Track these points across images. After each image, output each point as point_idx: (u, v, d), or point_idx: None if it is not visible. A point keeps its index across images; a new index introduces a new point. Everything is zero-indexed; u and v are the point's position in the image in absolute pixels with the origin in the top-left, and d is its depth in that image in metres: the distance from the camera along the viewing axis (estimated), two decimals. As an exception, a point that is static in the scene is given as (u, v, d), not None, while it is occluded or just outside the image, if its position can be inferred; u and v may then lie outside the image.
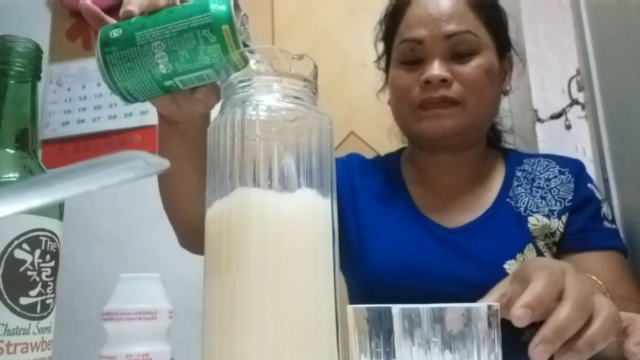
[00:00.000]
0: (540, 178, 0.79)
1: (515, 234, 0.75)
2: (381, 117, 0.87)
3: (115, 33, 0.48)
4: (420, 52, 0.75)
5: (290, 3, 1.51)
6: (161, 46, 0.46)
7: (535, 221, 0.75)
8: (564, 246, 0.75)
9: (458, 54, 0.73)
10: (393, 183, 0.85)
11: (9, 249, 0.38)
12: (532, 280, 0.43)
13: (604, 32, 0.94)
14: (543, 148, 1.00)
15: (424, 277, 0.73)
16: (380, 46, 0.87)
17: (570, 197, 0.76)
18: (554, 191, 0.77)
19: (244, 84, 0.38)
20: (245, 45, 0.47)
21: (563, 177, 0.78)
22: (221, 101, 0.41)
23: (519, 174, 0.81)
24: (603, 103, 0.94)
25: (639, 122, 0.82)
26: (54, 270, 0.42)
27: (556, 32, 1.05)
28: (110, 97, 1.34)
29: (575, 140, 1.00)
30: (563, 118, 1.02)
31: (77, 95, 1.39)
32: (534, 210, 0.76)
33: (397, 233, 0.78)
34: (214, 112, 0.49)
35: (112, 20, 0.52)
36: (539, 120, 1.03)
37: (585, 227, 0.75)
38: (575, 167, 0.80)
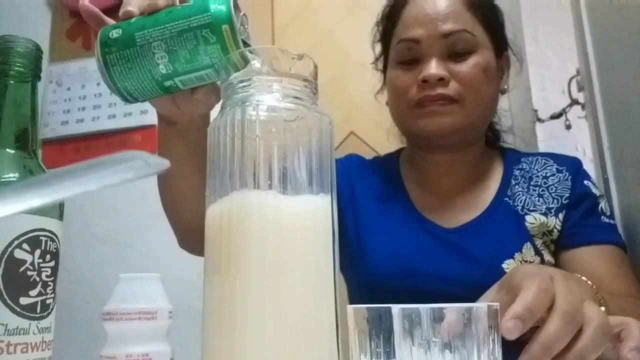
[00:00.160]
0: (537, 176, 0.79)
1: (513, 234, 0.75)
2: (381, 117, 0.87)
3: (115, 33, 0.48)
4: (417, 52, 0.75)
5: (290, 3, 1.51)
6: (161, 46, 0.46)
7: (532, 220, 0.75)
8: (560, 242, 0.75)
9: (455, 53, 0.74)
10: (392, 184, 0.85)
11: (9, 249, 0.38)
12: (522, 289, 0.41)
13: (604, 32, 0.94)
14: (543, 148, 1.00)
15: (422, 278, 0.73)
16: (378, 48, 0.87)
17: (567, 195, 0.76)
18: (552, 189, 0.77)
19: (244, 84, 0.38)
20: (246, 45, 0.47)
21: (561, 175, 0.79)
22: (221, 101, 0.41)
23: (516, 172, 0.81)
24: (603, 103, 0.94)
25: (639, 122, 0.82)
26: (54, 270, 0.42)
27: (556, 32, 1.05)
28: (109, 97, 1.34)
29: (575, 140, 1.00)
30: (563, 118, 1.02)
31: (76, 95, 1.40)
32: (531, 208, 0.76)
33: (396, 234, 0.79)
34: (214, 112, 0.49)
35: (111, 21, 0.52)
36: (539, 120, 1.03)
37: (581, 222, 0.75)
38: (572, 165, 0.80)
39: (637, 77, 0.81)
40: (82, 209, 1.30)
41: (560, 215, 0.75)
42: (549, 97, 1.03)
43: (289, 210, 0.37)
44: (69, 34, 1.46)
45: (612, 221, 0.76)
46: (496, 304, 0.36)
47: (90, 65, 1.39)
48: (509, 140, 0.95)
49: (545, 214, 0.75)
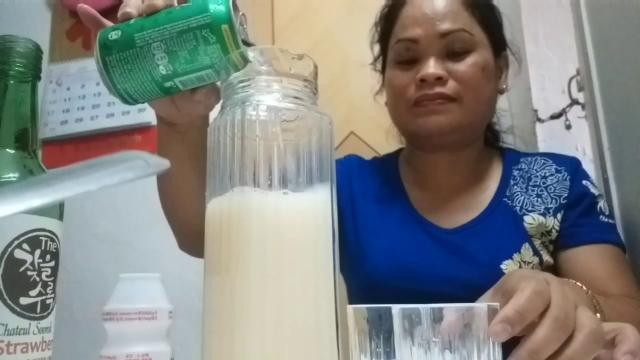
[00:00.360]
0: (536, 176, 0.79)
1: (511, 234, 0.75)
2: (381, 117, 0.87)
3: (114, 35, 0.48)
4: (415, 52, 0.75)
5: (290, 3, 1.51)
6: (161, 47, 0.46)
7: (531, 220, 0.75)
8: (559, 242, 0.75)
9: (453, 52, 0.74)
10: (391, 184, 0.85)
11: (9, 249, 0.38)
12: (516, 292, 0.40)
13: (604, 32, 0.94)
14: (543, 148, 1.00)
15: (421, 279, 0.73)
16: (376, 48, 0.87)
17: (566, 195, 0.76)
18: (550, 189, 0.77)
19: (244, 84, 0.38)
20: (246, 44, 0.47)
21: (559, 175, 0.78)
22: (221, 101, 0.41)
23: (515, 173, 0.81)
24: (603, 103, 0.94)
25: (639, 122, 0.82)
26: (54, 270, 0.42)
27: (556, 32, 1.05)
28: (108, 96, 1.34)
29: (575, 140, 1.00)
30: (563, 118, 1.02)
31: (76, 94, 1.40)
32: (530, 209, 0.76)
33: (395, 235, 0.79)
34: (213, 113, 0.49)
35: (109, 23, 0.52)
36: (539, 120, 1.03)
37: (579, 221, 0.75)
38: (571, 165, 0.80)
39: (637, 77, 0.81)
40: (82, 209, 1.30)
41: (559, 215, 0.75)
42: (549, 97, 1.03)
43: (289, 208, 0.37)
44: (69, 34, 1.46)
45: (611, 220, 0.76)
46: (496, 304, 0.36)
47: (90, 65, 1.39)
48: (509, 141, 0.95)
49: (543, 214, 0.75)
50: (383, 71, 0.85)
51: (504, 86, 0.82)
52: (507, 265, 0.72)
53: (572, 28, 1.03)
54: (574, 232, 0.74)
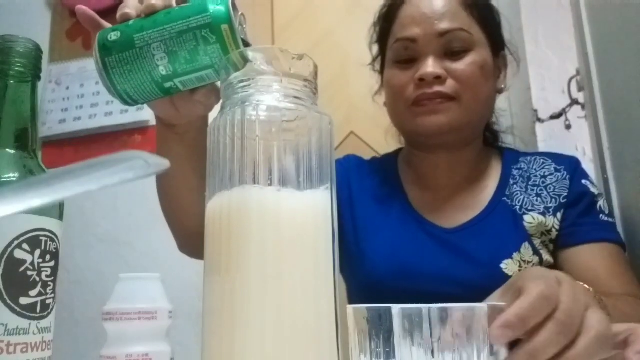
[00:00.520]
0: (536, 176, 0.79)
1: (511, 233, 0.75)
2: (381, 117, 0.87)
3: (113, 36, 0.47)
4: (414, 51, 0.75)
5: (290, 3, 1.51)
6: (161, 47, 0.46)
7: (530, 219, 0.75)
8: (559, 242, 0.75)
9: (452, 52, 0.74)
10: (390, 184, 0.85)
11: (9, 249, 0.38)
12: (523, 294, 0.39)
13: (604, 32, 0.94)
14: (543, 148, 1.00)
15: (421, 278, 0.73)
16: (375, 49, 0.87)
17: (566, 194, 0.76)
18: (550, 188, 0.77)
19: (244, 84, 0.38)
20: (246, 44, 0.47)
21: (559, 174, 0.79)
22: (221, 101, 0.41)
23: (515, 172, 0.81)
24: (603, 103, 0.94)
25: (639, 122, 0.82)
26: (54, 270, 0.42)
27: (556, 32, 1.05)
28: (107, 95, 1.34)
29: (575, 140, 1.00)
30: (563, 118, 1.02)
31: (75, 93, 1.40)
32: (530, 208, 0.76)
33: (395, 234, 0.79)
34: (213, 113, 0.49)
35: (107, 24, 0.52)
36: (539, 120, 1.03)
37: (579, 221, 0.75)
38: (571, 164, 0.80)
39: (637, 77, 0.81)
40: (82, 209, 1.30)
41: (559, 215, 0.75)
42: (549, 97, 1.03)
43: (289, 206, 0.37)
44: (69, 34, 1.46)
45: (610, 219, 0.76)
46: (501, 304, 0.36)
47: (90, 65, 1.39)
48: (509, 141, 0.95)
49: (543, 214, 0.75)
50: (382, 71, 0.85)
51: (503, 86, 0.82)
52: (507, 265, 0.72)
53: (572, 28, 1.03)
54: (574, 231, 0.74)
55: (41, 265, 0.40)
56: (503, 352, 0.34)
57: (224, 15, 0.45)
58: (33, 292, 0.40)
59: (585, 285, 0.55)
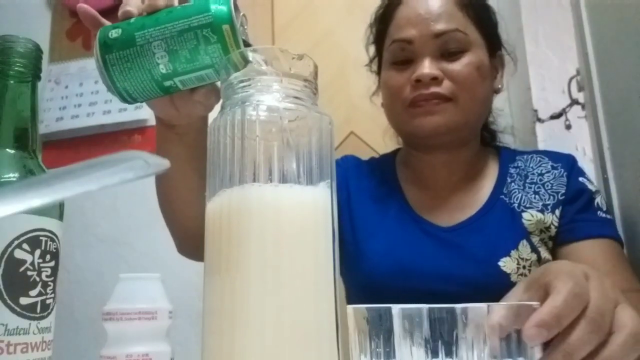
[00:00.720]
0: (533, 174, 0.80)
1: (509, 231, 0.75)
2: (381, 117, 0.87)
3: (114, 33, 0.48)
4: (410, 52, 0.75)
5: (290, 3, 1.51)
6: (161, 46, 0.46)
7: (529, 217, 0.75)
8: (558, 238, 0.75)
9: (448, 52, 0.74)
10: (388, 184, 0.85)
11: (9, 249, 0.38)
12: (553, 291, 0.38)
13: (604, 32, 0.94)
14: (543, 148, 1.00)
15: (420, 277, 0.73)
16: (372, 50, 0.88)
17: (563, 191, 0.76)
18: (547, 185, 0.78)
19: (244, 84, 0.38)
20: (247, 45, 0.47)
21: (556, 171, 0.79)
22: (221, 101, 0.41)
23: (512, 170, 0.81)
24: (603, 103, 0.94)
25: (639, 122, 0.82)
26: (54, 270, 0.42)
27: (556, 32, 1.05)
28: (106, 94, 1.34)
29: (575, 140, 1.00)
30: (563, 118, 1.02)
31: (73, 92, 1.40)
32: (528, 205, 0.76)
33: (393, 234, 0.79)
34: (213, 113, 0.49)
35: (108, 23, 0.52)
36: (539, 120, 1.03)
37: (577, 217, 0.75)
38: (567, 162, 0.80)
39: (637, 77, 0.81)
40: (82, 209, 1.30)
41: (557, 212, 0.75)
42: (549, 97, 1.03)
43: (289, 202, 0.37)
44: (69, 34, 1.46)
45: (608, 216, 0.77)
46: (535, 303, 0.35)
47: (90, 64, 1.39)
48: (509, 141, 0.95)
49: (541, 211, 0.75)
50: (379, 72, 0.85)
51: (500, 86, 0.83)
52: (504, 262, 0.72)
53: (572, 28, 1.03)
54: (572, 227, 0.74)
55: (41, 265, 0.40)
56: (537, 352, 0.34)
57: (225, 15, 0.45)
58: (33, 292, 0.39)
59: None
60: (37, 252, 0.40)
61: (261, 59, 0.39)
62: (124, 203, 1.29)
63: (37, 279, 0.40)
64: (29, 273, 0.39)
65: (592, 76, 0.96)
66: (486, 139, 0.88)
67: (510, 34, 1.09)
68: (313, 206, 0.37)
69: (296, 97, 0.38)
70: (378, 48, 0.85)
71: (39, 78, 0.45)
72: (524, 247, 0.73)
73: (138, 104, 0.54)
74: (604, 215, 0.76)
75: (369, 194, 0.84)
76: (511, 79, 1.09)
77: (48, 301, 0.41)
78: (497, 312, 0.33)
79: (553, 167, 0.79)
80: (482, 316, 0.33)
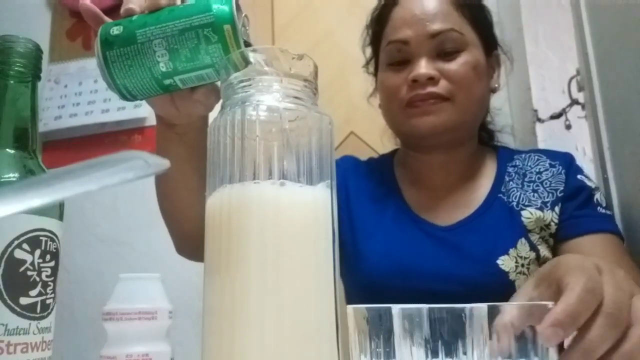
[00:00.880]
0: (531, 172, 0.80)
1: (508, 229, 0.75)
2: (381, 117, 0.87)
3: (115, 30, 0.48)
4: (406, 53, 0.76)
5: (290, 3, 1.51)
6: (162, 44, 0.46)
7: (528, 214, 0.75)
8: (558, 235, 0.75)
9: (444, 52, 0.74)
10: (386, 184, 0.85)
11: (9, 249, 0.38)
12: (566, 288, 0.37)
13: (604, 32, 0.94)
14: (543, 148, 1.00)
15: (419, 277, 0.73)
16: (368, 51, 0.88)
17: (562, 188, 0.77)
18: (546, 183, 0.78)
19: (244, 84, 0.38)
20: (248, 45, 0.47)
21: (554, 169, 0.79)
22: (221, 101, 0.41)
23: (510, 169, 0.81)
24: (603, 103, 0.94)
25: (639, 122, 0.82)
26: (54, 270, 0.42)
27: (556, 32, 1.05)
28: (105, 92, 1.34)
29: (575, 140, 1.00)
30: (563, 118, 1.02)
31: (72, 91, 1.39)
32: (527, 203, 0.76)
33: (391, 234, 0.79)
34: (213, 113, 0.49)
35: (110, 21, 0.52)
36: (539, 120, 1.03)
37: (577, 213, 0.75)
38: (565, 160, 0.80)
39: (637, 77, 0.81)
40: (82, 209, 1.30)
41: (557, 209, 0.75)
42: (549, 97, 1.03)
43: (289, 199, 0.37)
44: (69, 34, 1.46)
45: (608, 212, 0.77)
46: (549, 303, 0.35)
47: (89, 64, 1.39)
48: (510, 141, 0.95)
49: (541, 209, 0.75)
50: (376, 74, 0.85)
51: (496, 85, 0.83)
52: (503, 261, 0.72)
53: (572, 28, 1.03)
54: (573, 223, 0.74)
55: (41, 265, 0.40)
56: (552, 352, 0.34)
57: (227, 15, 0.46)
58: (33, 292, 0.39)
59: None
60: (37, 252, 0.40)
61: (261, 59, 0.39)
62: (124, 203, 1.29)
63: (37, 279, 0.40)
64: (29, 273, 0.39)
65: (592, 76, 0.96)
66: (484, 138, 0.88)
67: (510, 34, 1.09)
68: (313, 204, 0.37)
69: (296, 97, 0.38)
70: (374, 49, 0.85)
71: (39, 78, 0.45)
72: (522, 246, 0.73)
73: (137, 103, 0.54)
74: (603, 210, 0.76)
75: (367, 195, 0.84)
76: (511, 79, 1.09)
77: (48, 301, 0.41)
78: (509, 312, 0.32)
79: (551, 165, 0.80)
80: (483, 316, 0.33)
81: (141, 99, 0.52)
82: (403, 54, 0.76)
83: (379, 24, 0.83)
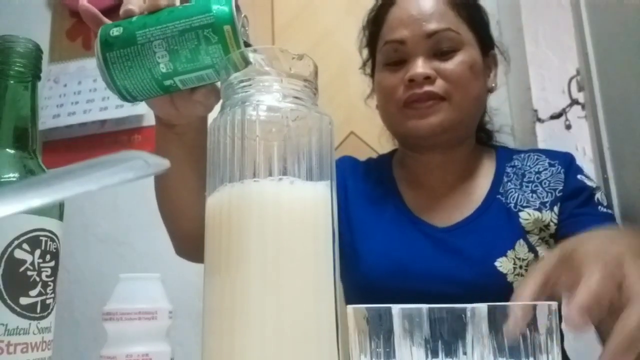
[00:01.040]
0: (530, 172, 0.79)
1: (505, 231, 0.75)
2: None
3: (115, 32, 0.48)
4: (403, 53, 0.76)
5: (290, 3, 1.51)
6: (162, 45, 0.46)
7: (526, 216, 0.75)
8: (558, 234, 0.75)
9: (441, 52, 0.74)
10: (385, 185, 0.85)
11: (9, 249, 0.38)
12: (585, 273, 0.37)
13: (604, 32, 0.94)
14: (543, 148, 1.00)
15: (417, 278, 0.73)
16: (365, 53, 0.88)
17: (561, 187, 0.76)
18: (545, 183, 0.77)
19: (244, 84, 0.38)
20: (247, 46, 0.47)
21: (553, 169, 0.79)
22: (221, 101, 0.41)
23: (508, 170, 0.81)
24: (603, 103, 0.94)
25: (639, 122, 0.82)
26: (54, 270, 0.42)
27: (556, 32, 1.05)
28: (104, 91, 1.34)
29: (575, 140, 1.00)
30: (563, 118, 1.02)
31: (71, 90, 1.39)
32: (525, 205, 0.76)
33: (389, 235, 0.79)
34: (213, 113, 0.49)
35: (110, 22, 0.52)
36: (539, 120, 1.03)
37: (577, 211, 0.74)
38: (565, 159, 0.80)
39: (637, 77, 0.81)
40: (82, 209, 1.30)
41: (556, 209, 0.75)
42: (549, 97, 1.03)
43: (289, 196, 0.37)
44: (69, 34, 1.46)
45: (609, 211, 0.76)
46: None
47: (89, 64, 1.39)
48: (509, 141, 0.95)
49: (539, 209, 0.75)
50: (373, 75, 0.85)
51: (493, 84, 0.83)
52: (500, 263, 0.72)
53: (572, 28, 1.03)
54: (573, 222, 0.74)
55: (41, 265, 0.40)
56: (592, 337, 0.34)
57: (227, 16, 0.46)
58: (33, 292, 0.39)
59: None
60: (37, 252, 0.40)
61: (261, 59, 0.39)
62: (124, 203, 1.29)
63: (37, 279, 0.40)
64: (29, 273, 0.39)
65: (592, 76, 0.96)
66: (482, 139, 0.88)
67: (510, 34, 1.09)
68: (313, 202, 0.37)
69: (296, 97, 0.38)
70: (371, 50, 0.86)
71: (39, 78, 0.45)
72: (520, 247, 0.73)
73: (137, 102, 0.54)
74: (604, 210, 0.75)
75: (366, 195, 0.84)
76: (511, 79, 1.09)
77: (48, 301, 0.41)
78: (513, 312, 0.32)
79: (550, 165, 0.79)
80: (483, 316, 0.33)
81: (141, 100, 0.52)
82: (400, 53, 0.76)
83: (375, 24, 0.83)
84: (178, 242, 0.70)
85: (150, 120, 1.31)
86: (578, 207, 0.75)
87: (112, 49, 0.47)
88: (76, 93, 1.39)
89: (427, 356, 0.31)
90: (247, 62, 0.39)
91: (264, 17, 1.50)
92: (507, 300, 0.45)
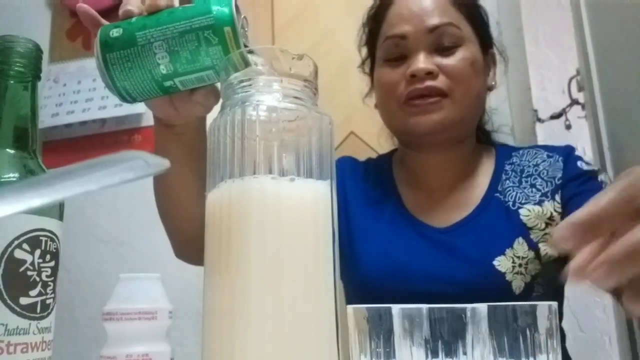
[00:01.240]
0: (529, 166, 0.79)
1: (504, 230, 0.74)
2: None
3: (115, 33, 0.48)
4: (404, 48, 0.75)
5: (290, 3, 1.51)
6: (162, 46, 0.46)
7: (527, 212, 0.75)
8: (564, 214, 0.73)
9: (442, 47, 0.74)
10: (384, 185, 0.85)
11: (9, 249, 0.38)
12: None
13: (604, 32, 0.94)
14: (543, 148, 1.00)
15: (415, 279, 0.73)
16: (364, 51, 0.88)
17: (560, 175, 0.75)
18: (543, 173, 0.77)
19: (244, 84, 0.38)
20: (247, 47, 0.47)
21: (551, 159, 0.78)
22: (221, 101, 0.41)
23: (507, 167, 0.81)
24: (603, 103, 0.94)
25: (639, 122, 0.82)
26: (54, 270, 0.42)
27: (556, 32, 1.05)
28: (103, 90, 1.34)
29: (575, 140, 1.00)
30: (563, 118, 1.02)
31: (71, 90, 1.40)
32: (524, 201, 0.76)
33: (388, 236, 0.78)
34: (213, 113, 0.49)
35: (108, 23, 0.52)
36: (539, 120, 1.03)
37: (582, 188, 0.73)
38: (564, 151, 0.79)
39: (637, 77, 0.81)
40: (82, 209, 1.30)
41: (557, 196, 0.74)
42: (549, 97, 1.03)
43: (289, 193, 0.37)
44: (69, 34, 1.46)
45: None
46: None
47: (89, 64, 1.39)
48: (509, 141, 0.95)
49: (539, 203, 0.74)
50: (371, 73, 0.85)
51: (493, 83, 0.83)
52: (499, 262, 0.71)
53: (572, 28, 1.03)
54: (578, 199, 0.72)
55: (41, 265, 0.40)
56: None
57: (227, 17, 0.45)
58: (33, 292, 0.39)
59: None
60: (37, 252, 0.40)
61: (261, 59, 0.39)
62: (124, 203, 1.29)
63: (37, 279, 0.40)
64: (29, 273, 0.39)
65: (592, 76, 0.96)
66: (481, 138, 0.88)
67: (510, 33, 1.09)
68: (313, 199, 0.37)
69: (296, 97, 0.38)
70: (370, 48, 0.85)
71: (39, 78, 0.45)
72: (519, 245, 0.73)
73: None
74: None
75: (365, 196, 0.84)
76: (511, 79, 1.09)
77: (48, 301, 0.41)
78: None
79: (548, 156, 0.79)
80: (483, 316, 0.33)
81: (140, 101, 0.52)
82: (401, 49, 0.76)
83: (375, 22, 0.82)
84: (177, 244, 0.70)
85: (149, 119, 1.30)
86: (581, 185, 0.74)
87: (112, 50, 0.47)
88: (75, 92, 1.39)
89: (427, 356, 0.31)
90: (246, 63, 0.39)
91: (264, 17, 1.50)
92: (507, 299, 0.45)
